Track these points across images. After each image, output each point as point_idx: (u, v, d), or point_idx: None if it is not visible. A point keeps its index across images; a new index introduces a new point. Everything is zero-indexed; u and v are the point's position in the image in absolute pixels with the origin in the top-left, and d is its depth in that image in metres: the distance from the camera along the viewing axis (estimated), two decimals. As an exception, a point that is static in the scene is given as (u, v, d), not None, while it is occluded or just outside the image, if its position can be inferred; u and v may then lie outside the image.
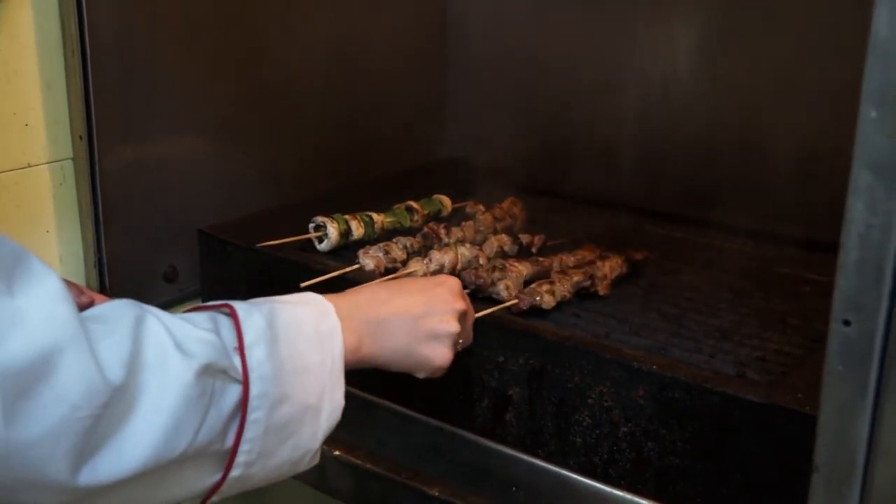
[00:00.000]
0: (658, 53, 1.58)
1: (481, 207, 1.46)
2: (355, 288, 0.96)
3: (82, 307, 0.76)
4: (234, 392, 0.76)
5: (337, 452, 1.19)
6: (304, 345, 0.81)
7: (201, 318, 0.79)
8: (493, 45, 1.81)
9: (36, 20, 1.23)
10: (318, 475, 1.23)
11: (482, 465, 1.05)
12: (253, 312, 0.80)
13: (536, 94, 1.76)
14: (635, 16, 1.61)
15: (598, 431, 1.01)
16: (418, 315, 0.93)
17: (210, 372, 0.74)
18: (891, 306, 0.64)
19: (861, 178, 0.62)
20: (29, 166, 1.27)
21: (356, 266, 1.24)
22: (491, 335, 1.08)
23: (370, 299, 0.92)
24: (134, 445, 0.69)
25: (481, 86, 1.84)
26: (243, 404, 0.76)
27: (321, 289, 1.18)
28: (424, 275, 1.23)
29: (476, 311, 1.09)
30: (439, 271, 1.23)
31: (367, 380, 1.19)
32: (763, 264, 1.36)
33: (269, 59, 1.52)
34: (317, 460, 0.86)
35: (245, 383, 0.76)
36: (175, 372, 0.71)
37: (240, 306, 0.81)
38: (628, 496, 0.96)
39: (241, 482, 0.79)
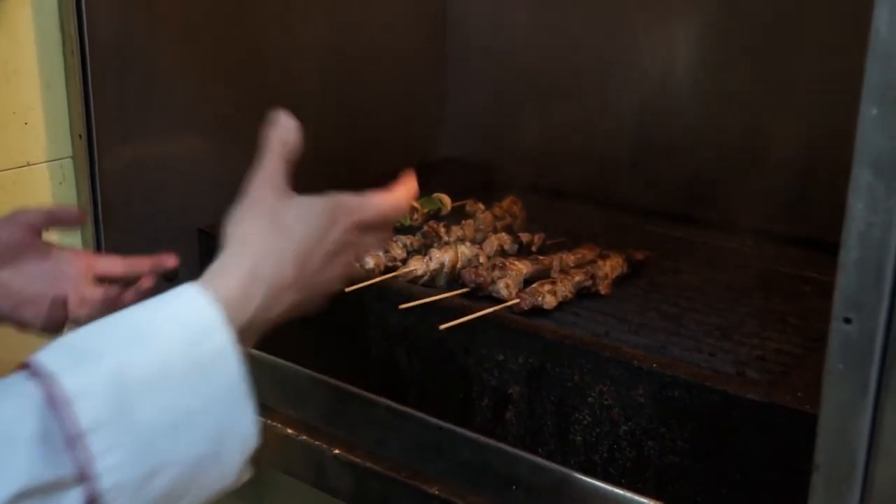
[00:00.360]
0: (658, 52, 1.58)
1: (481, 206, 1.46)
2: (229, 244, 0.76)
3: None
4: (73, 496, 0.59)
5: (336, 451, 1.20)
6: (177, 393, 0.63)
7: (14, 411, 0.59)
8: (493, 44, 1.81)
9: (35, 19, 1.23)
10: (318, 474, 1.23)
11: (482, 463, 1.05)
12: (88, 385, 0.60)
13: (536, 92, 1.76)
14: (635, 14, 1.61)
15: (597, 430, 1.01)
16: (302, 250, 0.77)
17: (32, 493, 0.57)
18: (891, 305, 0.64)
19: (861, 177, 0.62)
20: (28, 165, 1.27)
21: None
22: (490, 334, 1.08)
23: (254, 276, 0.72)
24: None
25: (481, 84, 1.84)
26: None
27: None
28: (424, 273, 1.23)
29: (476, 311, 1.09)
30: (440, 270, 1.23)
31: (365, 378, 1.20)
32: (763, 263, 1.36)
33: (269, 59, 1.52)
34: (247, 476, 0.72)
35: (88, 480, 0.59)
36: None
37: (66, 378, 0.60)
38: (628, 495, 0.96)
39: None
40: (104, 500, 0.60)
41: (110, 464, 0.60)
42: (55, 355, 0.62)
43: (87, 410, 0.59)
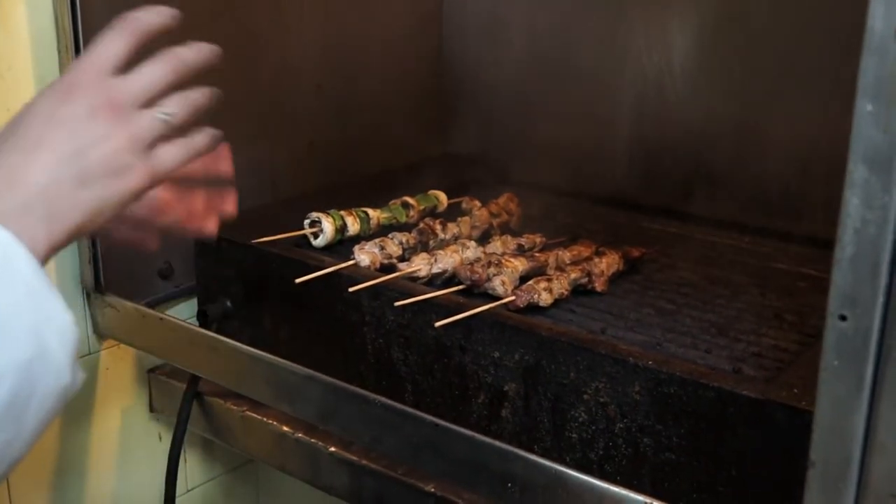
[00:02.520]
0: (655, 49, 1.58)
1: (477, 203, 1.46)
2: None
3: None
4: None
5: (332, 449, 1.20)
6: None
7: None
8: (490, 40, 1.81)
9: (29, 15, 1.23)
10: (314, 472, 1.23)
11: (478, 461, 1.05)
12: None
13: (532, 89, 1.76)
14: (631, 12, 1.61)
15: (593, 427, 1.01)
16: (72, 153, 0.70)
17: None
18: (887, 301, 0.64)
19: (857, 173, 0.62)
20: (23, 162, 1.26)
21: (352, 262, 1.23)
22: (486, 331, 1.07)
23: (16, 172, 0.69)
24: None
25: (477, 81, 1.84)
26: None
27: (318, 285, 1.19)
28: (427, 275, 1.22)
29: (472, 308, 1.09)
30: (443, 273, 1.23)
31: (361, 375, 1.20)
32: (759, 260, 1.36)
33: (263, 55, 1.51)
34: (81, 377, 0.71)
35: None
36: None
37: None
38: (624, 492, 0.95)
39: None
40: None
41: None
42: None
43: None
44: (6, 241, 0.65)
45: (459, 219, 1.41)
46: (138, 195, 0.75)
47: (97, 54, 0.75)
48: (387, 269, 1.24)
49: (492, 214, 1.44)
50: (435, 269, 1.23)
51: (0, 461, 0.65)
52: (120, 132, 0.72)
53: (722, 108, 1.55)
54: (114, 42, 0.76)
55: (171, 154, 0.77)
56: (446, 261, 1.23)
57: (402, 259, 1.27)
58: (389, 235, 1.31)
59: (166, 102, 0.76)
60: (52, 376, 0.67)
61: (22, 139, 0.71)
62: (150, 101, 0.75)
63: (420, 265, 1.22)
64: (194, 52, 0.80)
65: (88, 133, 0.71)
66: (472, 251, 1.27)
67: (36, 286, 0.66)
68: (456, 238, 1.35)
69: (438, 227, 1.35)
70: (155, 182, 0.75)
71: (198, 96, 0.79)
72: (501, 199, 1.48)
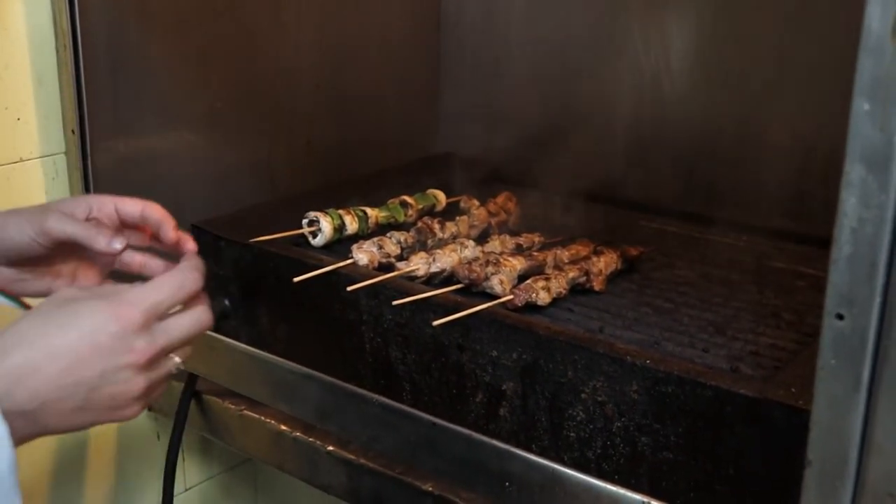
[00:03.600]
0: (653, 48, 1.58)
1: (475, 202, 1.46)
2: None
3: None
4: None
5: (330, 448, 1.20)
6: None
7: None
8: (487, 39, 1.81)
9: (27, 14, 1.23)
10: (312, 470, 1.23)
11: (475, 460, 1.05)
12: None
13: (530, 88, 1.76)
14: (630, 10, 1.61)
15: (591, 426, 1.01)
16: (89, 387, 0.72)
17: None
18: (884, 301, 0.64)
19: (854, 172, 0.62)
20: (21, 161, 1.26)
21: (350, 261, 1.23)
22: (484, 330, 1.07)
23: (21, 374, 0.70)
24: None
25: (475, 80, 1.84)
26: None
27: (316, 284, 1.19)
28: (425, 274, 1.22)
29: (470, 307, 1.09)
30: (441, 272, 1.22)
31: (359, 374, 1.20)
32: (757, 259, 1.36)
33: (262, 54, 1.51)
34: None
35: None
36: None
37: None
38: (622, 491, 0.96)
39: None
40: None
41: None
42: None
43: None
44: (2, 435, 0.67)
45: (458, 218, 1.41)
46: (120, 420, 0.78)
47: (160, 296, 0.77)
48: (385, 268, 1.24)
49: (490, 213, 1.44)
50: (433, 269, 1.23)
51: None
52: (141, 380, 0.75)
53: (720, 107, 1.55)
54: (176, 293, 0.79)
55: (161, 390, 0.81)
56: (444, 260, 1.23)
57: (400, 258, 1.27)
58: (388, 234, 1.31)
59: (184, 350, 0.80)
60: None
61: (54, 336, 0.72)
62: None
63: (418, 264, 1.22)
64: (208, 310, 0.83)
65: (117, 373, 0.74)
66: (470, 250, 1.27)
67: (7, 485, 0.68)
68: (454, 237, 1.35)
69: (437, 227, 1.35)
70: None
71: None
72: (500, 199, 1.48)
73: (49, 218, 0.90)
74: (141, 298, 0.76)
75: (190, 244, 0.92)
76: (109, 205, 0.95)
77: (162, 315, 0.77)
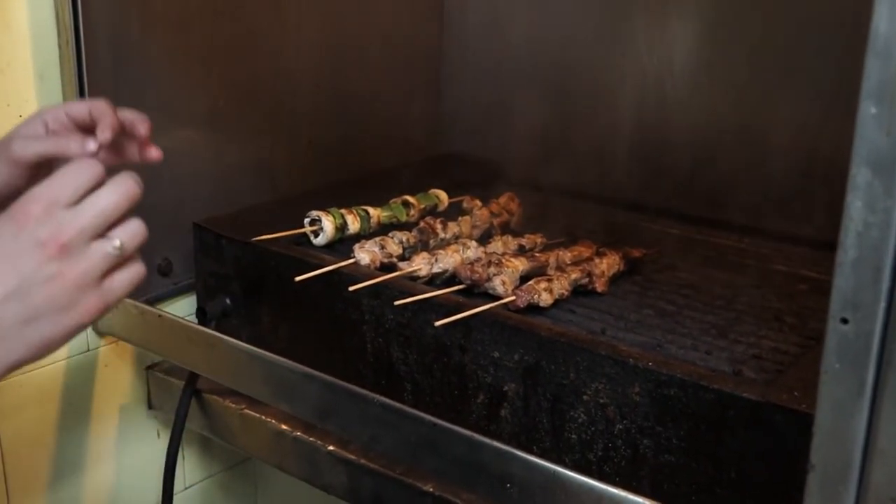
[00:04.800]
0: (656, 49, 1.58)
1: (478, 202, 1.45)
2: None
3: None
4: None
5: (330, 447, 1.19)
6: None
7: None
8: (490, 39, 1.81)
9: (30, 10, 1.22)
10: (312, 470, 1.23)
11: (476, 461, 1.04)
12: None
13: (533, 89, 1.76)
14: (633, 11, 1.60)
15: (593, 428, 1.01)
16: (19, 295, 0.69)
17: None
18: (889, 305, 0.63)
19: (860, 176, 0.62)
20: (22, 158, 1.26)
21: (351, 260, 1.23)
22: (486, 331, 1.07)
23: None
24: None
25: (478, 80, 1.84)
26: None
27: (317, 283, 1.19)
28: (427, 274, 1.22)
29: (472, 308, 1.09)
30: (443, 272, 1.22)
31: (360, 374, 1.19)
32: (760, 261, 1.36)
33: (264, 52, 1.51)
34: None
35: None
36: None
37: None
38: (623, 493, 0.95)
39: None
40: None
41: None
42: None
43: None
44: None
45: (460, 218, 1.40)
46: (88, 326, 0.73)
47: (53, 186, 0.71)
48: (387, 268, 1.24)
49: (492, 214, 1.44)
50: (435, 269, 1.22)
51: None
52: (68, 270, 0.70)
53: (723, 109, 1.55)
54: (73, 176, 0.72)
55: (122, 282, 0.74)
56: (447, 260, 1.23)
57: (402, 258, 1.27)
58: (390, 234, 1.30)
59: (117, 232, 0.73)
60: None
61: None
62: (102, 232, 0.72)
63: (420, 264, 1.22)
64: (139, 183, 0.76)
65: (35, 271, 0.69)
66: (472, 251, 1.26)
67: None
68: (456, 237, 1.35)
69: (439, 227, 1.35)
70: (106, 310, 0.73)
71: (142, 229, 0.76)
72: (502, 199, 1.48)
73: (12, 146, 0.86)
74: (36, 192, 0.71)
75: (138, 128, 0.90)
76: (61, 113, 0.90)
77: (69, 201, 0.71)
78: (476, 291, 1.17)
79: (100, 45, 1.25)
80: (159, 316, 1.31)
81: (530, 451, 1.03)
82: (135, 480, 1.49)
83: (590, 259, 1.26)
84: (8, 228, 0.69)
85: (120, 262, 0.73)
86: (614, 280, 1.26)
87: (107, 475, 1.46)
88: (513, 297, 1.13)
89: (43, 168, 0.87)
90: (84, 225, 0.71)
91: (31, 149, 0.86)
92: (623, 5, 1.62)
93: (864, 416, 0.66)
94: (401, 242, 1.29)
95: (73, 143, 0.85)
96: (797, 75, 1.46)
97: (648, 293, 1.24)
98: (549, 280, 1.17)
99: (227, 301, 1.34)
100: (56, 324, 0.70)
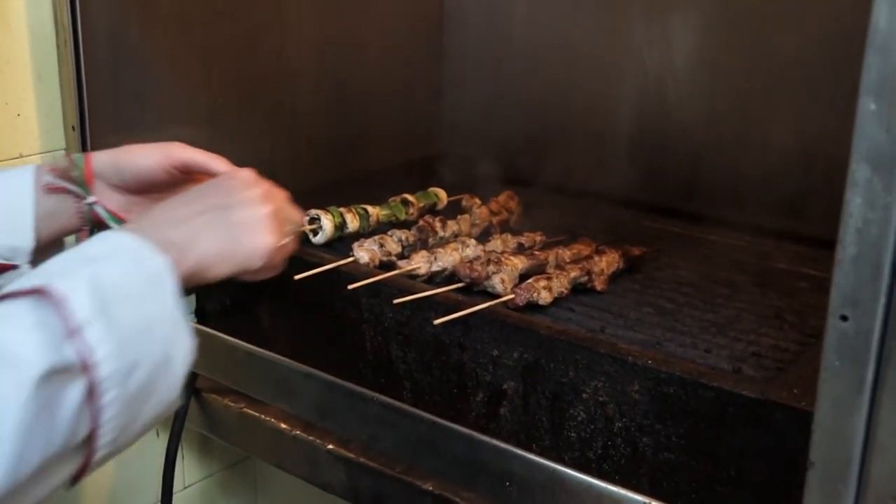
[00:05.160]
0: (655, 47, 1.58)
1: (477, 201, 1.45)
2: (146, 213, 0.88)
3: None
4: (78, 385, 0.67)
5: (330, 446, 1.19)
6: (138, 300, 0.73)
7: (16, 310, 0.68)
8: (490, 38, 1.81)
9: (28, 9, 1.22)
10: (312, 469, 1.23)
11: (476, 459, 1.04)
12: (75, 287, 0.69)
13: (533, 87, 1.76)
14: (633, 9, 1.60)
15: (592, 426, 1.01)
16: (220, 206, 0.86)
17: (50, 377, 0.65)
18: (888, 302, 0.63)
19: (859, 172, 0.62)
20: (21, 157, 1.26)
21: (350, 259, 1.23)
22: (485, 329, 1.07)
23: (167, 215, 0.85)
24: None
25: (478, 78, 1.83)
26: (92, 392, 0.68)
27: (316, 282, 1.19)
28: (426, 273, 1.22)
29: (471, 306, 1.09)
30: (443, 271, 1.22)
31: (359, 373, 1.19)
32: (759, 259, 1.36)
33: (264, 52, 1.51)
34: (179, 402, 0.79)
35: (89, 370, 0.67)
36: (8, 393, 0.63)
37: (56, 284, 0.69)
38: (622, 491, 0.95)
39: (107, 456, 0.73)
40: (100, 389, 0.68)
41: (105, 353, 0.68)
42: (36, 276, 0.71)
43: (80, 307, 0.68)
44: (164, 266, 0.76)
45: (459, 216, 1.40)
46: (262, 260, 0.88)
47: (242, 172, 0.95)
48: (386, 266, 1.24)
49: (492, 212, 1.44)
50: (434, 267, 1.22)
51: (114, 446, 0.71)
52: (264, 208, 0.89)
53: (723, 106, 1.55)
54: (248, 173, 0.95)
55: (289, 244, 0.95)
56: (446, 258, 1.23)
57: (401, 256, 1.26)
58: (389, 233, 1.30)
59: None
60: (170, 383, 0.75)
61: (180, 198, 0.89)
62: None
63: (419, 263, 1.22)
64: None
65: (238, 195, 0.89)
66: (471, 249, 1.26)
67: (178, 306, 0.76)
68: (456, 236, 1.35)
69: (438, 225, 1.35)
70: (277, 263, 0.92)
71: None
72: (501, 197, 1.48)
73: (174, 146, 1.04)
74: (231, 173, 0.96)
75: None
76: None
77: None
78: (475, 290, 1.17)
79: (98, 44, 1.25)
80: (158, 315, 1.31)
81: (530, 450, 1.04)
82: (134, 479, 1.49)
83: (589, 257, 1.26)
84: (227, 179, 0.92)
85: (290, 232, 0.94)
86: (614, 278, 1.26)
87: (106, 475, 1.46)
88: (512, 296, 1.13)
89: (175, 179, 1.03)
90: (281, 208, 0.93)
91: (189, 154, 1.03)
92: (623, 5, 1.62)
93: (864, 412, 0.66)
94: (400, 241, 1.29)
95: (220, 164, 1.03)
96: (797, 72, 1.46)
97: (648, 291, 1.24)
98: (549, 278, 1.17)
99: (227, 300, 1.34)
100: (238, 239, 0.86)
